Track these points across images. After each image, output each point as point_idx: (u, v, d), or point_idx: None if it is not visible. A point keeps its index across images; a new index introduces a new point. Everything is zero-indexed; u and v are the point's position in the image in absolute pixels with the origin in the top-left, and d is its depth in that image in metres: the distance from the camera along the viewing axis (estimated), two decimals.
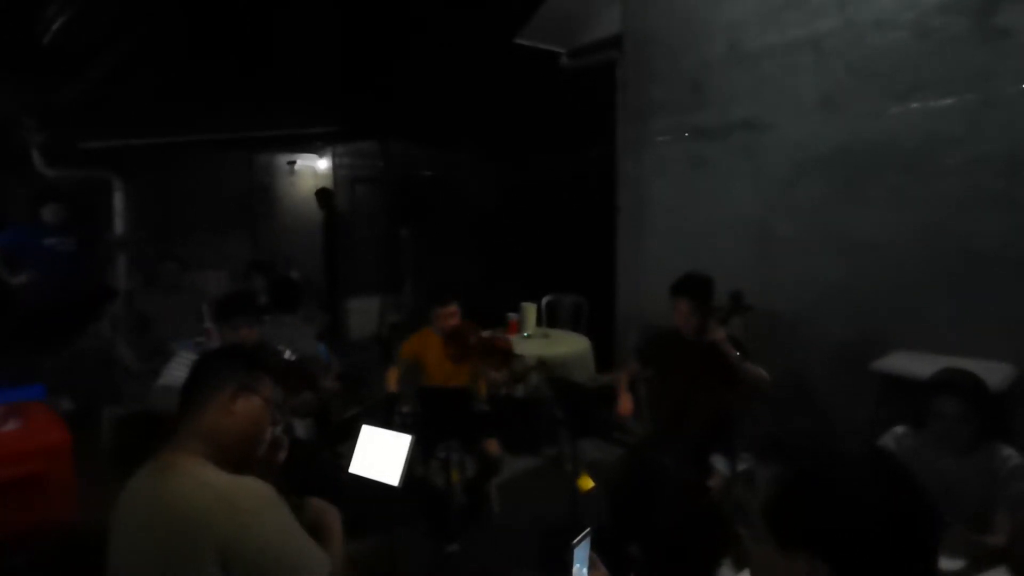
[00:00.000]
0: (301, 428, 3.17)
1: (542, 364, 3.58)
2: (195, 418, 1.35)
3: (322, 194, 7.47)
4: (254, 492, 1.24)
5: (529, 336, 4.47)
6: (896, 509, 0.80)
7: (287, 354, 3.03)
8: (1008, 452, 2.00)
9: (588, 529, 1.28)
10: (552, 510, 3.03)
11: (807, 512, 0.83)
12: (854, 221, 3.36)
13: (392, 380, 3.42)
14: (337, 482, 2.38)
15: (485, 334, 3.55)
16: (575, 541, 1.25)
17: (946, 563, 1.76)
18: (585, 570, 1.26)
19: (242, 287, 4.26)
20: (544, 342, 4.39)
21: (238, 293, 3.06)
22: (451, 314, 3.34)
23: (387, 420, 3.18)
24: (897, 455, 0.95)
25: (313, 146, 8.28)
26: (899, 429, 2.18)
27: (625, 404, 2.95)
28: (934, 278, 3.10)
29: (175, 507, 1.19)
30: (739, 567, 2.04)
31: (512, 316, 4.54)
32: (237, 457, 1.35)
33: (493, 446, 3.11)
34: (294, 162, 8.32)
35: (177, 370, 2.63)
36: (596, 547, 1.31)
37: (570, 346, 4.27)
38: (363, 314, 7.35)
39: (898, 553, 0.80)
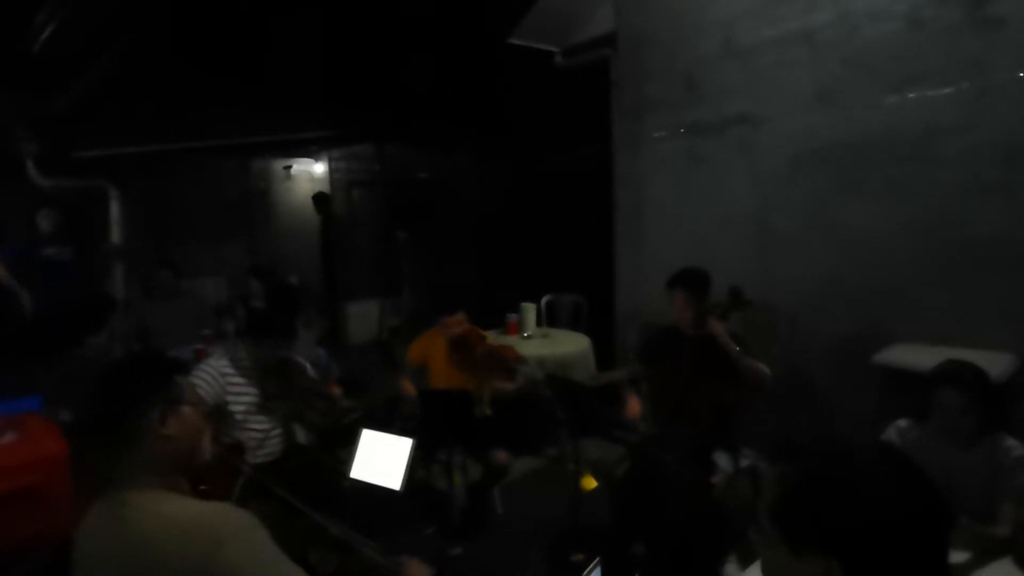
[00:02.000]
0: (301, 433, 3.15)
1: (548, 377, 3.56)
2: (132, 449, 1.26)
3: (319, 198, 7.46)
4: (218, 521, 1.17)
5: (529, 336, 4.46)
6: (909, 506, 0.80)
7: (308, 369, 3.02)
8: (1011, 443, 1.99)
9: (598, 558, 1.27)
10: (555, 510, 3.02)
11: (818, 512, 0.83)
12: (852, 214, 3.35)
13: (407, 387, 3.39)
14: (339, 486, 2.37)
15: (489, 337, 3.53)
16: (586, 572, 1.24)
17: (951, 555, 1.75)
18: None
19: (274, 306, 4.23)
20: (544, 342, 4.38)
21: (273, 314, 3.00)
22: (458, 323, 3.34)
23: (388, 424, 3.17)
24: (901, 449, 0.95)
25: (309, 150, 8.27)
26: (902, 422, 2.17)
27: (633, 406, 2.94)
28: (933, 269, 3.09)
29: (137, 549, 1.13)
30: (743, 565, 2.03)
31: (512, 316, 4.53)
32: (187, 471, 1.31)
33: (502, 456, 3.10)
34: (290, 167, 8.32)
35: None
36: (599, 548, 1.30)
37: (570, 345, 4.26)
38: (362, 318, 7.35)
39: (912, 550, 0.79)
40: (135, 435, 1.27)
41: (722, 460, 2.79)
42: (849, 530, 0.80)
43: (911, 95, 3.12)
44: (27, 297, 4.42)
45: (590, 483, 2.76)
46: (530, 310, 4.57)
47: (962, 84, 2.96)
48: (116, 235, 5.91)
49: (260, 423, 2.59)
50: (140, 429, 1.27)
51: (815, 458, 0.88)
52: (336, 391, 3.14)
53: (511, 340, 4.30)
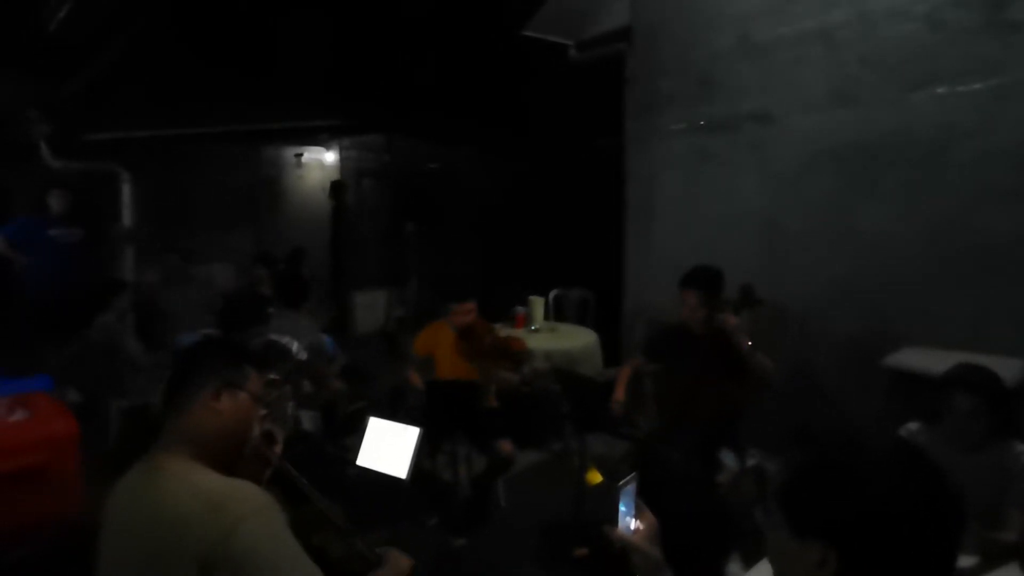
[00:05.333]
0: (308, 421, 3.16)
1: (555, 370, 3.55)
2: (180, 417, 1.30)
3: (336, 186, 7.48)
4: (243, 497, 1.19)
5: (536, 330, 4.46)
6: (912, 500, 0.79)
7: (295, 349, 3.02)
8: (1021, 448, 1.98)
9: (633, 473, 1.26)
10: (558, 505, 3.02)
11: (820, 499, 0.83)
12: (864, 215, 3.32)
13: (414, 378, 3.40)
14: (344, 475, 2.37)
15: (499, 331, 3.52)
16: (622, 483, 1.23)
17: (958, 560, 1.74)
18: (630, 517, 1.24)
19: (243, 290, 4.26)
20: (551, 336, 4.38)
21: (241, 299, 3.00)
22: (467, 311, 3.33)
23: (394, 413, 3.17)
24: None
25: (320, 139, 8.27)
26: (911, 426, 2.16)
27: (619, 392, 2.93)
28: (945, 273, 3.07)
29: (162, 511, 1.16)
30: (747, 563, 2.03)
31: (519, 310, 4.53)
32: (225, 455, 1.31)
33: (507, 447, 3.10)
34: (301, 155, 8.32)
35: None
36: (602, 544, 1.30)
37: (577, 340, 4.26)
38: (369, 308, 7.36)
39: (915, 544, 0.78)
40: (186, 404, 1.31)
41: (727, 458, 2.78)
42: (847, 519, 0.80)
43: (927, 97, 3.09)
44: (21, 261, 4.45)
45: (595, 478, 2.75)
46: (537, 304, 4.57)
47: (978, 87, 2.94)
48: (126, 219, 5.92)
49: None
50: (193, 399, 1.31)
51: (824, 445, 0.89)
52: (328, 372, 3.14)
53: (519, 333, 4.31)
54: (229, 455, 1.32)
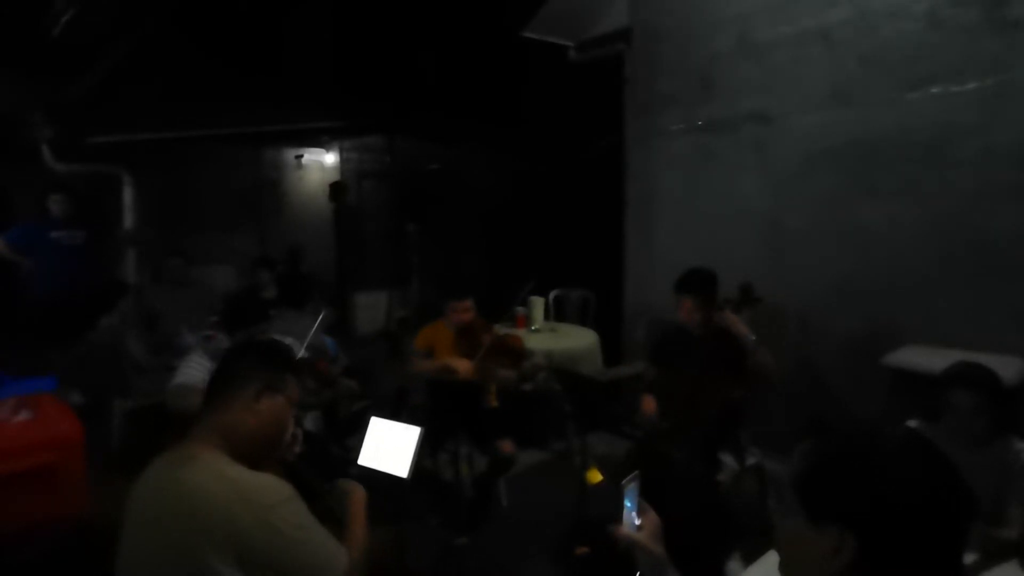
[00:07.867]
0: (310, 421, 3.17)
1: (556, 370, 3.55)
2: (218, 412, 1.37)
3: (336, 187, 7.49)
4: (272, 488, 1.26)
5: (537, 330, 4.46)
6: (929, 489, 0.81)
7: (296, 350, 3.03)
8: (1021, 446, 1.99)
9: (636, 472, 1.28)
10: (560, 504, 3.02)
11: (839, 486, 0.85)
12: (865, 213, 3.33)
13: (416, 361, 3.39)
14: (346, 474, 2.38)
15: (498, 331, 3.53)
16: (625, 481, 1.26)
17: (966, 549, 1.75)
18: (635, 513, 1.27)
19: (246, 289, 4.27)
20: (552, 336, 4.39)
21: (244, 298, 3.02)
22: (465, 309, 3.33)
23: (395, 413, 3.18)
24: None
25: (320, 140, 8.28)
26: (912, 423, 2.16)
27: (648, 403, 2.94)
28: (946, 271, 3.07)
29: (193, 499, 1.20)
30: (748, 561, 2.03)
31: (520, 310, 4.53)
32: (256, 454, 1.37)
33: (507, 446, 3.10)
34: (301, 156, 8.33)
35: (194, 370, 2.63)
36: (603, 542, 1.31)
37: (578, 340, 4.26)
38: (370, 309, 7.37)
39: (928, 533, 0.80)
40: (226, 400, 1.38)
41: (728, 458, 2.79)
42: (866, 506, 0.81)
43: (927, 95, 3.09)
44: (25, 265, 4.49)
45: (595, 477, 2.76)
46: (538, 304, 4.57)
47: (979, 85, 2.94)
48: (128, 221, 5.95)
49: None
50: (233, 396, 1.38)
51: (841, 435, 0.90)
52: (327, 368, 3.15)
53: (519, 334, 4.31)
54: (259, 454, 1.38)
